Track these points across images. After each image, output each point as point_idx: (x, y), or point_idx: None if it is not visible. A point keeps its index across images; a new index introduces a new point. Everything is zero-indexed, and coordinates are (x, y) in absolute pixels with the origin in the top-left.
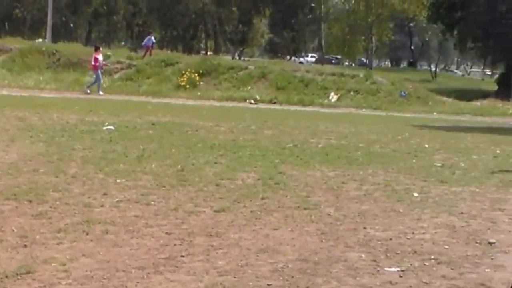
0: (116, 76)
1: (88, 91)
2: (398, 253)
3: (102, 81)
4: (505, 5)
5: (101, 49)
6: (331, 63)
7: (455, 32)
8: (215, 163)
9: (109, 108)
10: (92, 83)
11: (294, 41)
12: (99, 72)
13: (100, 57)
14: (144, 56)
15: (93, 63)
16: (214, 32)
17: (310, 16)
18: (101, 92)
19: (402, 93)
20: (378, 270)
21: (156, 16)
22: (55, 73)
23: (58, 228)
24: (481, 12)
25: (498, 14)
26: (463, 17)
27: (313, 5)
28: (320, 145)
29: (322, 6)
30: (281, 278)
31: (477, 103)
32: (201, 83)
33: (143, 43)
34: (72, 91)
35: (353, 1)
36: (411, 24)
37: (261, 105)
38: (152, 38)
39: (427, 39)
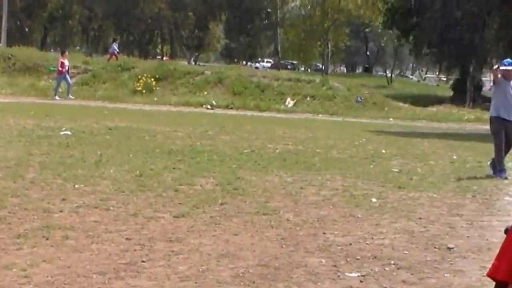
0: (72, 81)
1: (57, 97)
2: (358, 258)
3: (70, 85)
4: (460, 11)
5: (67, 53)
6: (287, 68)
7: (411, 38)
8: (174, 168)
9: (66, 113)
10: (56, 88)
11: (250, 47)
12: (67, 76)
13: (66, 61)
14: (108, 60)
15: (59, 67)
16: (170, 37)
17: (266, 21)
18: (71, 96)
19: (359, 98)
20: (338, 276)
21: (112, 21)
22: (10, 77)
23: (17, 233)
24: (436, 18)
25: (453, 20)
26: (419, 23)
27: (269, 10)
28: (277, 151)
29: (278, 12)
30: (242, 283)
31: (433, 109)
32: (158, 88)
33: (110, 50)
34: (28, 95)
35: (309, 7)
36: (367, 30)
37: (218, 111)
38: (115, 45)
39: (382, 44)
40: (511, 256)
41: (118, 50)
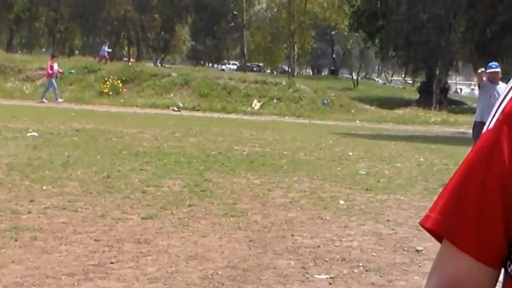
0: (39, 82)
1: (45, 100)
2: (326, 261)
3: (57, 89)
4: (426, 13)
5: (56, 57)
6: (253, 70)
7: (377, 41)
8: (141, 170)
9: (32, 115)
10: (45, 92)
11: (217, 49)
12: (53, 80)
13: (55, 65)
14: (99, 61)
15: (49, 71)
16: (136, 39)
17: (233, 24)
18: (60, 99)
19: (325, 101)
20: (307, 278)
21: (78, 23)
22: None
23: None
24: (402, 21)
25: (419, 23)
26: (385, 25)
27: (235, 12)
28: (245, 153)
29: (245, 14)
30: (211, 285)
31: (399, 111)
32: (124, 90)
33: (100, 53)
34: None
35: (275, 9)
36: (333, 32)
37: (184, 113)
38: (106, 47)
39: (348, 47)
40: (442, 203)
41: (108, 51)
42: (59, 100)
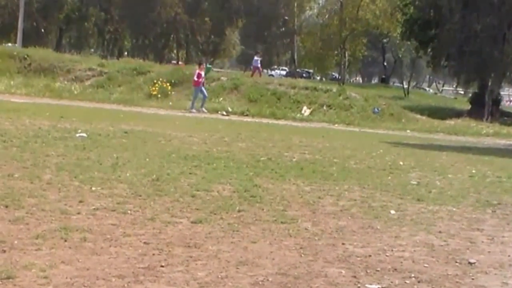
0: (87, 83)
1: (194, 110)
2: (378, 270)
3: (207, 97)
4: (480, 23)
5: (203, 65)
6: (302, 77)
7: (429, 50)
8: (190, 173)
9: (81, 115)
10: (194, 100)
11: (266, 54)
12: (202, 88)
13: (203, 73)
14: (252, 75)
15: (195, 78)
16: (186, 42)
17: (283, 29)
18: (204, 109)
19: (376, 109)
20: (359, 287)
21: (127, 24)
22: (26, 78)
23: (36, 234)
24: (455, 30)
25: (473, 33)
26: (437, 35)
27: (286, 18)
28: (294, 159)
29: (296, 20)
30: None
31: (451, 122)
32: (173, 93)
33: (253, 64)
34: (43, 96)
35: (326, 16)
36: (385, 40)
37: (233, 117)
38: (258, 58)
39: (400, 55)
40: None
41: (258, 61)
42: (204, 110)
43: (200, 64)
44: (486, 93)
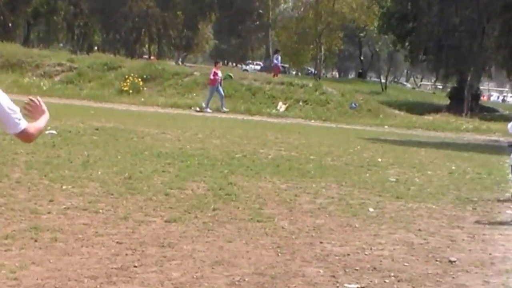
0: (57, 78)
1: (209, 110)
2: (357, 269)
3: (224, 97)
4: (458, 17)
5: (220, 63)
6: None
7: (407, 44)
8: (163, 171)
9: (50, 112)
10: (208, 99)
11: (241, 48)
12: (219, 87)
13: (219, 72)
14: (274, 75)
15: (211, 77)
16: (158, 36)
17: (258, 23)
18: (225, 108)
19: (353, 105)
20: (337, 287)
21: (98, 18)
22: None
23: (5, 234)
24: (433, 24)
25: (451, 26)
26: (415, 28)
27: (261, 11)
28: (270, 156)
29: (270, 13)
30: None
31: (430, 117)
32: (145, 88)
33: (273, 64)
34: (11, 92)
35: (302, 9)
36: (361, 34)
37: (207, 113)
38: (279, 57)
39: (377, 49)
40: None
41: (278, 61)
42: (224, 109)
43: (216, 63)
44: (465, 87)
